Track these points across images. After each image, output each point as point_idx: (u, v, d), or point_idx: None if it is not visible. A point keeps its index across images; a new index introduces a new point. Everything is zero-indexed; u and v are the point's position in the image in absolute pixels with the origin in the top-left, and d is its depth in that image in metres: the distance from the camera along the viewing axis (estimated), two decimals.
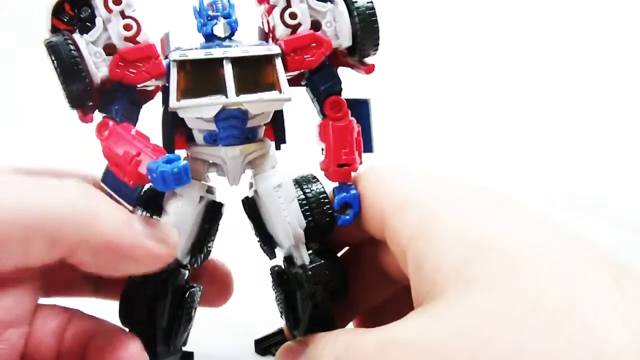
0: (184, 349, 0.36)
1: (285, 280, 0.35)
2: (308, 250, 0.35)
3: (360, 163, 0.35)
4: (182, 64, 0.31)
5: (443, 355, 0.25)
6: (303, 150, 0.36)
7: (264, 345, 0.40)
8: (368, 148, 0.37)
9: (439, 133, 0.72)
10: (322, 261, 0.34)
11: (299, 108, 0.36)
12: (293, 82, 0.36)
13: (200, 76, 0.31)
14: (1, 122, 0.67)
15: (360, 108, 0.37)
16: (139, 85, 0.32)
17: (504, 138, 0.73)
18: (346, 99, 0.36)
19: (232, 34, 0.34)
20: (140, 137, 0.31)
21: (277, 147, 0.36)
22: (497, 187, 0.32)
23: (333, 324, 0.35)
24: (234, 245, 0.39)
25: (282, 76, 0.32)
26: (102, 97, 0.32)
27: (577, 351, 0.23)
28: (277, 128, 0.36)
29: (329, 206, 0.34)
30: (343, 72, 0.37)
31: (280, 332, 0.41)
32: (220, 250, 0.38)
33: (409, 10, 0.78)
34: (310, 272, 0.33)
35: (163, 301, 0.32)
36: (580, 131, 0.73)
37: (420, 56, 0.77)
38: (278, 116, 0.35)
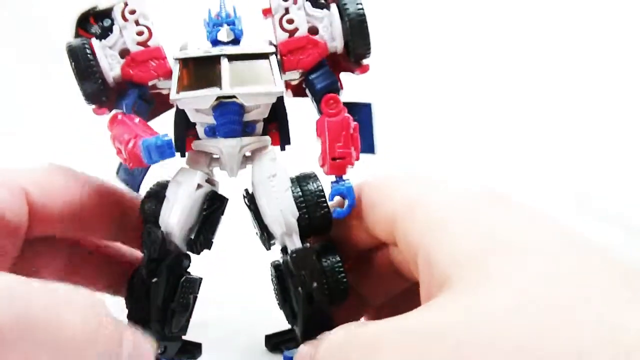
0: (191, 339, 0.36)
1: (281, 273, 0.36)
2: (306, 243, 0.35)
3: (357, 159, 0.36)
4: (184, 62, 0.35)
5: (450, 343, 0.24)
6: (308, 152, 0.38)
7: (274, 341, 0.40)
8: (371, 150, 0.37)
9: (442, 134, 0.72)
10: (309, 246, 0.34)
11: (305, 110, 0.38)
12: (298, 92, 0.38)
13: (200, 72, 0.34)
14: (2, 122, 0.70)
15: (363, 111, 0.38)
16: (149, 84, 0.36)
17: (505, 139, 0.71)
18: (349, 102, 0.37)
19: (237, 40, 0.37)
20: (142, 124, 0.34)
21: (282, 148, 0.38)
22: (500, 190, 0.32)
23: (332, 325, 0.34)
24: (246, 242, 0.40)
25: (276, 72, 0.35)
26: (119, 95, 0.36)
27: (594, 346, 0.22)
28: (281, 129, 0.37)
29: (323, 199, 0.35)
30: (350, 78, 0.38)
31: (291, 330, 0.40)
32: (232, 247, 0.39)
33: (414, 12, 0.79)
34: (294, 255, 0.34)
35: (157, 283, 0.34)
36: (580, 132, 0.71)
37: (425, 58, 0.77)
38: (283, 118, 0.37)
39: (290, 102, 0.38)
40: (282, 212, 0.34)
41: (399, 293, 0.38)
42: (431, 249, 0.29)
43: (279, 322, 0.38)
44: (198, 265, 0.37)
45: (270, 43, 0.38)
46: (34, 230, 0.33)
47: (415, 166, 0.61)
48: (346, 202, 0.35)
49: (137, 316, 0.34)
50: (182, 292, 0.34)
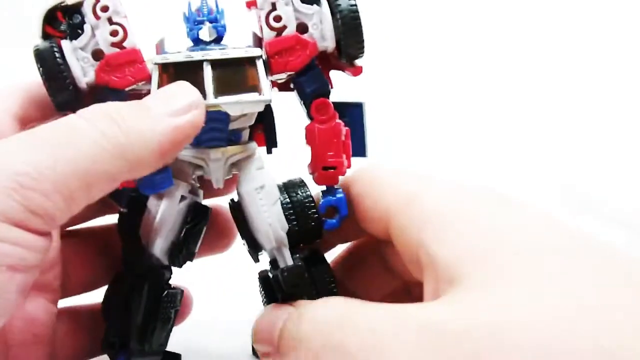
0: (170, 350, 0.35)
1: (269, 285, 0.35)
2: (296, 255, 0.34)
3: (349, 167, 0.35)
4: (164, 67, 0.32)
5: (470, 344, 0.23)
6: (296, 155, 0.36)
7: None
8: (361, 152, 0.36)
9: (435, 135, 0.71)
10: (300, 264, 0.33)
11: (292, 111, 0.36)
12: (283, 87, 0.36)
13: (182, 78, 0.32)
14: None
15: (354, 112, 0.36)
16: (127, 89, 0.33)
17: (502, 137, 0.71)
18: (340, 102, 0.35)
19: (220, 38, 0.34)
20: None
21: (269, 151, 0.36)
22: (498, 188, 0.31)
23: None
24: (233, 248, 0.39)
25: (263, 78, 0.32)
26: (95, 102, 0.33)
27: (626, 347, 0.22)
28: (268, 132, 0.36)
29: (314, 210, 0.34)
30: (340, 75, 0.36)
31: None
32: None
33: (407, 11, 0.78)
34: (285, 274, 0.33)
35: (139, 298, 0.33)
36: (579, 130, 0.71)
37: (417, 58, 0.76)
38: (269, 120, 0.35)
39: (277, 100, 0.36)
40: (272, 226, 0.33)
41: (391, 291, 0.37)
42: (434, 245, 0.28)
43: None
44: (181, 271, 0.36)
45: (255, 35, 0.35)
46: None
47: (407, 167, 0.60)
48: (337, 215, 0.34)
49: (116, 332, 0.33)
50: (164, 306, 0.33)
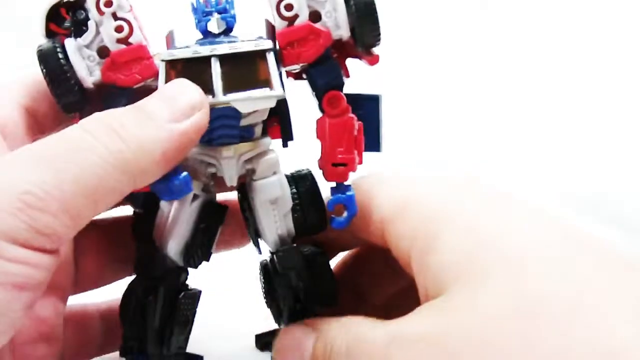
0: (190, 352, 0.35)
1: (268, 273, 0.35)
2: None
3: (360, 163, 0.33)
4: (172, 64, 0.31)
5: (449, 352, 0.25)
6: (310, 148, 0.35)
7: (264, 340, 0.39)
8: (376, 147, 0.34)
9: (444, 130, 0.70)
10: (294, 245, 0.33)
11: (308, 103, 0.34)
12: (299, 75, 0.35)
13: (189, 75, 0.31)
14: None
15: (369, 105, 0.34)
16: (135, 86, 0.32)
17: (503, 136, 0.70)
18: (354, 95, 0.34)
19: (229, 29, 0.33)
20: None
21: (284, 145, 0.35)
22: (499, 185, 0.32)
23: None
24: None
25: (274, 72, 0.31)
26: (104, 101, 0.32)
27: (585, 349, 0.23)
28: (283, 124, 0.34)
29: (320, 203, 0.33)
30: (357, 66, 0.35)
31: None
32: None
33: (423, 4, 0.76)
34: (280, 254, 0.33)
35: (154, 300, 0.33)
36: (580, 130, 0.69)
37: (428, 53, 0.75)
38: (284, 112, 0.34)
39: (292, 90, 0.35)
40: (280, 236, 0.33)
41: (397, 290, 0.37)
42: (424, 250, 0.28)
43: (270, 322, 0.37)
44: None
45: (268, 23, 0.34)
46: None
47: (418, 164, 0.60)
48: (345, 213, 0.33)
49: (133, 337, 0.33)
50: (181, 308, 0.33)
